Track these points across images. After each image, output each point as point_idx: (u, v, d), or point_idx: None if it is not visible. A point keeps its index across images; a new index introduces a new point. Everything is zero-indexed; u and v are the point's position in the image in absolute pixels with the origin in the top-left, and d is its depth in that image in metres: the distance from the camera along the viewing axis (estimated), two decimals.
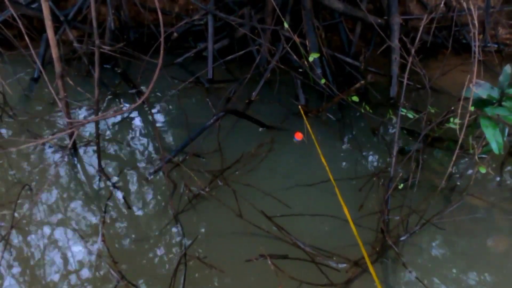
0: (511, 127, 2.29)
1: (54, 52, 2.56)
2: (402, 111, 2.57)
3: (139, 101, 2.27)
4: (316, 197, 2.62)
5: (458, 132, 2.20)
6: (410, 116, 2.58)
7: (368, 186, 2.64)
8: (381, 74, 3.62)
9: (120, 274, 2.12)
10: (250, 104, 3.26)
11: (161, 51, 2.28)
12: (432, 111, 2.64)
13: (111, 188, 2.63)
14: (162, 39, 2.22)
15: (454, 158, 2.21)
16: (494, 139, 2.17)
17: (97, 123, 2.56)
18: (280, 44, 3.62)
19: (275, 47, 3.69)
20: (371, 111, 2.91)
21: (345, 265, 2.18)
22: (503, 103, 2.28)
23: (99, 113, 2.57)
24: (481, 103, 2.32)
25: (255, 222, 2.37)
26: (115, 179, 2.70)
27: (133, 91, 3.52)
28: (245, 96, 3.33)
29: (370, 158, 2.93)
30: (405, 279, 2.17)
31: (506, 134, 2.26)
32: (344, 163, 2.89)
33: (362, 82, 3.01)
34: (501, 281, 2.17)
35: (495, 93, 2.34)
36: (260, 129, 3.12)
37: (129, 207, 2.51)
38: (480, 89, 2.33)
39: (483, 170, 2.18)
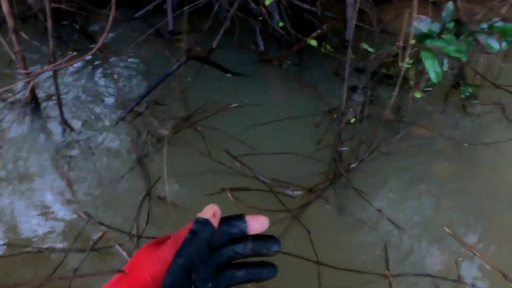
0: (450, 59, 2.44)
1: (5, 6, 2.53)
2: (363, 47, 2.68)
3: (94, 49, 2.31)
4: (277, 135, 2.77)
5: (399, 64, 2.34)
6: (370, 50, 2.69)
7: (325, 122, 2.81)
8: (338, 19, 3.70)
9: (88, 214, 2.25)
10: (212, 53, 3.31)
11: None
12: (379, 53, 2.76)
13: (76, 138, 2.70)
14: None
15: (397, 89, 2.37)
16: (432, 69, 2.33)
17: (55, 73, 2.58)
18: None
19: None
20: (331, 50, 3.01)
21: (300, 192, 2.36)
22: (442, 36, 2.42)
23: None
24: (422, 37, 2.46)
25: (218, 161, 2.51)
26: (79, 130, 2.77)
27: (94, 45, 3.50)
28: (207, 46, 3.37)
29: (328, 97, 3.07)
30: (355, 202, 2.38)
31: (445, 64, 2.42)
32: (303, 103, 3.03)
33: (319, 31, 3.10)
34: (438, 197, 2.42)
35: (436, 27, 2.47)
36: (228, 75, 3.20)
37: (93, 154, 2.61)
38: (422, 23, 2.46)
39: (418, 95, 2.35)
